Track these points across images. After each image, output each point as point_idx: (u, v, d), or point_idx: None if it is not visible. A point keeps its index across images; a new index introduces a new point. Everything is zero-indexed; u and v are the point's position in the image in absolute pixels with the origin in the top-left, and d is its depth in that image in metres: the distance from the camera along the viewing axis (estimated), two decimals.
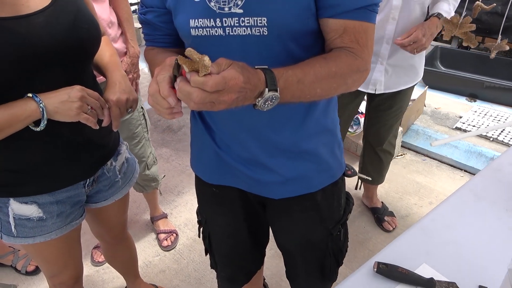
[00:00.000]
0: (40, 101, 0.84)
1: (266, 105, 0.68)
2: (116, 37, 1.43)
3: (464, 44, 0.92)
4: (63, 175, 1.00)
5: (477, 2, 0.99)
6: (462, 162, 2.43)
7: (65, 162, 0.99)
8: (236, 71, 0.61)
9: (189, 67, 0.59)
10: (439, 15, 1.42)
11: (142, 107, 1.56)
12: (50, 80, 0.88)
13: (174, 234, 1.99)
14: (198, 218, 1.15)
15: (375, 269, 0.84)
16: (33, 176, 0.96)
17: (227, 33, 0.76)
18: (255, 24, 0.74)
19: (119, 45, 1.44)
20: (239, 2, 0.73)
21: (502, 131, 2.66)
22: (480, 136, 2.64)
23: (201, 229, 1.15)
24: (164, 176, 2.20)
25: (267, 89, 0.66)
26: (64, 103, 0.86)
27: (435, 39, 4.06)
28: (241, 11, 0.74)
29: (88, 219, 1.24)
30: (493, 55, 0.95)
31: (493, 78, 3.09)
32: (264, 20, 0.73)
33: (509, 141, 2.57)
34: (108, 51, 1.06)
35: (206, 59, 0.57)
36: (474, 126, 2.74)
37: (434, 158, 2.55)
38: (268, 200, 1.01)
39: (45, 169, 0.97)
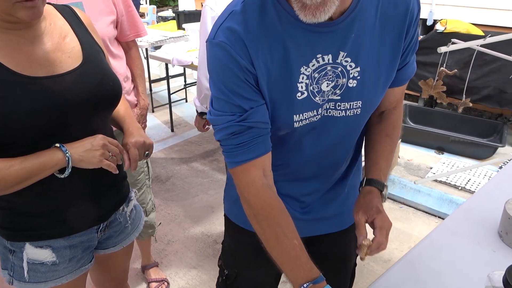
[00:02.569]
0: (67, 151, 0.91)
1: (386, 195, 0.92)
2: (130, 90, 1.58)
3: (438, 101, 1.12)
4: (79, 219, 1.05)
5: (442, 68, 1.21)
6: (436, 209, 2.61)
7: (83, 206, 1.04)
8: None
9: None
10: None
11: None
12: (76, 131, 0.96)
13: (166, 283, 2.02)
14: (225, 272, 1.13)
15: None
16: (51, 220, 1.00)
17: (323, 115, 0.85)
18: (351, 107, 0.85)
19: (131, 97, 1.59)
20: (338, 92, 0.83)
21: (468, 181, 2.90)
22: (450, 185, 2.86)
23: (226, 281, 1.13)
24: (160, 223, 2.26)
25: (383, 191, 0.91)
26: (88, 151, 0.94)
27: (404, 98, 4.43)
28: (338, 98, 0.83)
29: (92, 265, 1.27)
30: (460, 110, 1.15)
31: (457, 133, 3.40)
32: (359, 103, 0.85)
33: (475, 189, 2.80)
34: (123, 105, 1.16)
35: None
36: (444, 176, 2.97)
37: (410, 206, 2.72)
38: (323, 238, 1.09)
39: (63, 213, 1.01)
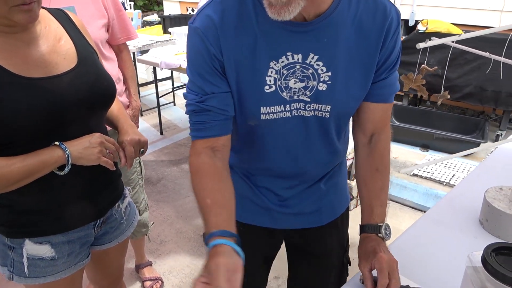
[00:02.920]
0: (66, 148, 0.95)
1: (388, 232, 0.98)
2: (122, 91, 1.61)
3: (418, 94, 1.18)
4: (77, 215, 1.08)
5: (423, 65, 1.28)
6: (421, 204, 2.69)
7: (80, 203, 1.07)
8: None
9: None
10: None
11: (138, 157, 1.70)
12: (73, 129, 0.99)
13: (160, 282, 2.04)
14: None
15: (361, 281, 1.00)
16: (50, 217, 1.03)
17: (293, 114, 0.88)
18: (319, 109, 0.88)
19: (123, 99, 1.62)
20: (308, 93, 0.86)
21: (453, 176, 2.99)
22: (435, 181, 2.94)
23: None
24: (153, 223, 2.28)
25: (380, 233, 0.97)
26: (86, 149, 0.97)
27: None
28: (308, 99, 0.87)
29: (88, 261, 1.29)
30: (439, 102, 1.21)
31: (441, 131, 3.50)
32: (328, 107, 0.88)
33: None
34: (116, 105, 1.20)
35: None
36: (428, 172, 3.06)
37: (397, 202, 2.80)
38: (297, 232, 1.12)
39: (61, 210, 1.04)
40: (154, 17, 6.30)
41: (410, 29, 4.34)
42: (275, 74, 0.84)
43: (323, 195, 1.10)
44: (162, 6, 7.58)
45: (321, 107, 0.88)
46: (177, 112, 4.52)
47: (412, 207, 2.73)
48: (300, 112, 0.89)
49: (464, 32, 3.61)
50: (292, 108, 0.88)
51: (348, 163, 2.71)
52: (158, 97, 3.88)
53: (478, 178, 1.49)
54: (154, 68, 3.77)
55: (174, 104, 4.71)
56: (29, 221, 1.02)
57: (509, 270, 0.73)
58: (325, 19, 0.81)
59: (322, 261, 1.21)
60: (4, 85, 0.87)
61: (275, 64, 0.83)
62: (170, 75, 4.57)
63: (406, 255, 1.11)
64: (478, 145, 3.33)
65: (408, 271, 1.04)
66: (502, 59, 1.11)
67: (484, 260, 0.77)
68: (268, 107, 0.86)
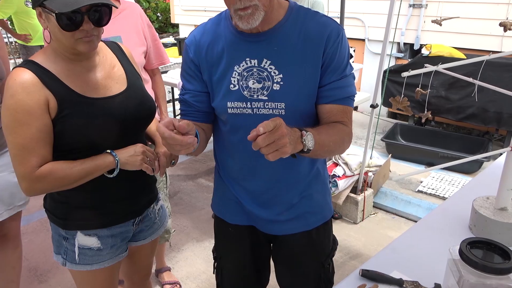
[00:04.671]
0: (116, 156, 1.15)
1: (310, 142, 0.91)
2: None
3: (404, 113, 1.35)
4: (121, 212, 1.27)
5: (417, 88, 1.45)
6: None
7: (124, 202, 1.27)
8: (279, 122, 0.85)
9: None
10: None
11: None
12: (121, 141, 1.18)
13: (178, 285, 2.20)
14: (214, 255, 1.40)
15: (360, 274, 1.15)
16: (99, 212, 1.23)
17: (254, 112, 1.08)
18: (276, 107, 1.06)
19: (155, 115, 1.82)
20: (265, 92, 1.06)
21: (452, 192, 3.11)
22: (438, 197, 3.07)
23: (215, 264, 1.39)
24: (175, 230, 2.45)
25: (304, 131, 0.91)
26: (132, 156, 1.16)
27: (395, 117, 4.70)
28: (266, 98, 1.06)
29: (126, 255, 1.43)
30: (423, 121, 1.37)
31: (445, 149, 3.63)
32: (283, 104, 1.06)
33: None
34: (154, 122, 1.39)
35: None
36: (433, 189, 3.19)
37: (401, 216, 2.93)
38: (273, 237, 1.29)
39: (108, 207, 1.24)
40: (169, 39, 6.60)
41: (415, 52, 4.53)
42: (237, 76, 1.07)
43: (294, 205, 1.21)
44: (177, 28, 7.94)
45: (277, 104, 1.06)
46: None
47: (416, 221, 2.85)
48: (260, 111, 1.08)
49: (466, 56, 3.80)
50: (253, 107, 1.07)
51: (355, 178, 2.88)
52: (174, 115, 4.10)
53: (471, 190, 1.64)
54: (172, 88, 4.01)
55: None
56: (82, 216, 1.22)
57: (481, 259, 0.89)
58: (274, 31, 1.05)
59: (293, 271, 1.32)
60: (70, 102, 1.09)
61: (237, 68, 1.07)
62: None
63: (400, 254, 1.27)
64: (481, 163, 3.46)
65: (402, 267, 1.20)
66: (486, 85, 1.29)
67: (460, 251, 0.93)
68: (233, 102, 1.08)
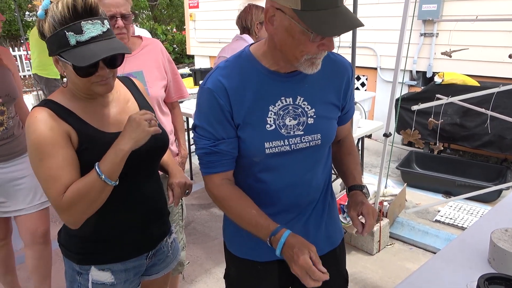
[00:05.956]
0: (101, 174, 1.05)
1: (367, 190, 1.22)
2: (173, 141, 1.88)
3: (416, 146, 1.37)
4: (134, 246, 1.27)
5: (430, 119, 1.46)
6: None
7: (138, 235, 1.26)
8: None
9: None
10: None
11: (181, 199, 1.90)
12: (135, 172, 1.19)
13: None
14: None
15: None
16: (112, 246, 1.23)
17: (292, 148, 1.11)
18: (313, 139, 1.13)
19: (174, 148, 1.88)
20: (301, 127, 1.11)
21: (470, 222, 3.03)
22: (457, 227, 2.99)
23: None
24: (188, 262, 2.43)
25: (363, 191, 1.22)
26: (135, 131, 1.07)
27: (410, 145, 4.65)
28: (302, 132, 1.11)
29: None
30: (435, 153, 1.37)
31: (462, 177, 3.56)
32: (319, 135, 1.13)
33: None
34: (166, 153, 1.41)
35: None
36: (451, 219, 3.11)
37: (419, 247, 2.85)
38: None
39: (122, 240, 1.23)
40: (185, 70, 6.77)
41: (427, 80, 4.54)
42: (273, 115, 1.09)
43: (319, 225, 1.26)
44: (193, 59, 8.15)
45: (313, 136, 1.13)
46: None
47: (434, 253, 2.77)
48: (298, 145, 1.12)
49: (480, 83, 3.78)
50: (290, 143, 1.11)
51: None
52: (189, 145, 4.15)
53: (490, 220, 1.60)
54: (187, 118, 4.08)
55: None
56: (96, 250, 1.22)
57: None
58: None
59: None
60: (89, 137, 1.12)
61: (272, 107, 1.08)
62: None
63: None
64: (500, 192, 3.37)
65: None
66: (497, 115, 1.28)
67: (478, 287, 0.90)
68: (270, 142, 1.09)
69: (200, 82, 4.59)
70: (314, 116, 1.12)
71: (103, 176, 1.06)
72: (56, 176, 1.05)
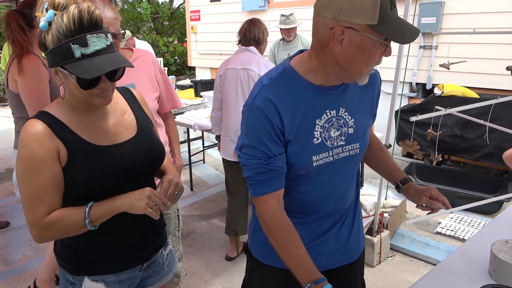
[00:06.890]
0: (87, 218, 1.09)
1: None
2: (167, 152, 1.85)
3: (415, 157, 1.38)
4: (128, 257, 1.25)
5: (429, 130, 1.46)
6: None
7: (132, 247, 1.25)
8: None
9: None
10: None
11: (178, 209, 1.90)
12: (130, 185, 1.17)
13: None
14: None
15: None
16: (106, 257, 1.22)
17: (335, 159, 1.15)
18: (352, 149, 1.17)
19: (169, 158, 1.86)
20: (343, 138, 1.15)
21: (471, 234, 3.01)
22: (458, 239, 2.98)
23: None
24: (186, 274, 2.42)
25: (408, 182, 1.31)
26: (136, 200, 1.12)
27: (409, 156, 4.66)
28: (343, 143, 1.15)
29: None
30: (434, 164, 1.38)
31: (463, 189, 3.55)
32: (358, 144, 1.17)
33: None
34: (165, 159, 1.39)
35: None
36: (452, 230, 3.09)
37: (420, 259, 2.83)
38: (334, 270, 1.28)
39: (116, 252, 1.22)
40: (186, 81, 6.81)
41: (427, 92, 4.56)
42: (320, 128, 1.11)
43: (351, 231, 1.29)
44: (194, 70, 8.20)
45: (353, 146, 1.17)
46: (206, 170, 4.77)
47: (435, 265, 2.74)
48: (340, 155, 1.16)
49: (479, 95, 3.79)
50: (333, 153, 1.14)
51: (370, 219, 2.82)
52: (190, 156, 4.15)
53: (490, 232, 1.59)
54: (187, 129, 4.09)
55: (204, 162, 4.98)
56: (89, 261, 1.21)
57: None
58: (343, 83, 1.14)
59: None
60: (81, 151, 1.12)
61: (319, 121, 1.11)
62: (201, 135, 4.90)
63: None
64: (501, 204, 3.36)
65: None
66: (495, 126, 1.29)
67: None
68: (317, 155, 1.11)
69: (201, 93, 4.65)
70: (354, 126, 1.16)
71: (87, 221, 1.10)
72: (41, 196, 1.08)
